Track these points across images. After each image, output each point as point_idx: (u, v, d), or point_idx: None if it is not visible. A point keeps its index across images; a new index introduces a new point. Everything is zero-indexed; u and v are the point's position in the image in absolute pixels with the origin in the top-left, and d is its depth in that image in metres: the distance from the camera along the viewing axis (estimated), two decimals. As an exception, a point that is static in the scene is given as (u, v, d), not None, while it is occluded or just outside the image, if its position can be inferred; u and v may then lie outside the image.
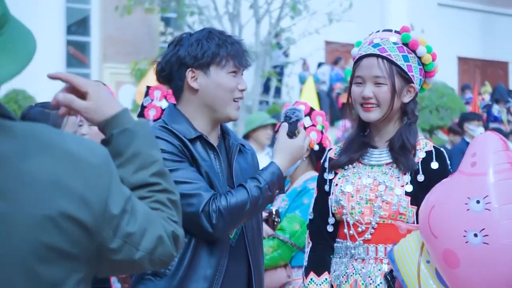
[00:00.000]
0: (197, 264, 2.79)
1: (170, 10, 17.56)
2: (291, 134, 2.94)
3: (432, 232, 2.64)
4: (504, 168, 2.58)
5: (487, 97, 18.79)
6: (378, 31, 3.10)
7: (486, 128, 15.03)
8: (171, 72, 2.92)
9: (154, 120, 4.25)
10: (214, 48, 2.87)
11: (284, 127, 2.96)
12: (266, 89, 19.43)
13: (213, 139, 2.96)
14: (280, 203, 4.16)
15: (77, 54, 19.44)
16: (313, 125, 4.15)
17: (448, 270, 2.63)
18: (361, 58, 3.03)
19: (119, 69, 18.46)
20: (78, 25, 19.61)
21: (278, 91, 20.07)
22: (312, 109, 4.23)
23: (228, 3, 16.72)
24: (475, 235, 2.52)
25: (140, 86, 13.79)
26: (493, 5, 27.06)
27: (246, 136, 7.27)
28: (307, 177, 4.17)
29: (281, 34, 17.92)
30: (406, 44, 3.01)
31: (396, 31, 3.07)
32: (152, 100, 4.28)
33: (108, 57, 19.05)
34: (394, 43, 3.00)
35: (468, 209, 2.55)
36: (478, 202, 2.54)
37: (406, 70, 2.99)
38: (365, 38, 3.12)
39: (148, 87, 4.38)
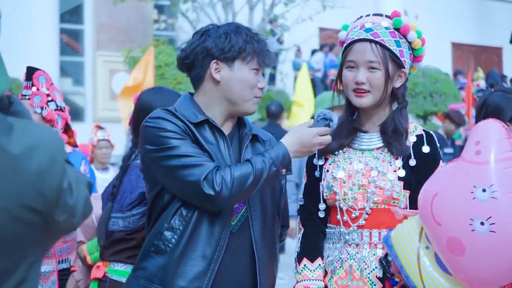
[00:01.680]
0: (196, 241, 2.81)
1: (163, -3, 17.53)
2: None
3: (436, 219, 2.64)
4: (508, 156, 2.58)
5: (482, 83, 18.82)
6: (368, 15, 3.08)
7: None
8: (195, 61, 2.94)
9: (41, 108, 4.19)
10: (242, 43, 2.90)
11: (310, 122, 2.93)
12: (260, 76, 19.42)
13: (226, 129, 2.98)
14: None
15: (71, 42, 19.38)
16: None
17: (452, 257, 2.63)
18: (353, 42, 3.02)
19: (112, 57, 18.41)
20: (71, 13, 19.54)
21: (272, 78, 20.07)
22: None
23: (221, -10, 16.70)
24: (482, 223, 2.52)
25: (132, 74, 13.76)
26: (486, -9, 27.04)
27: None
28: None
29: (276, 20, 17.91)
30: (397, 29, 3.00)
31: (386, 16, 3.06)
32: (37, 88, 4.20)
33: (101, 45, 18.99)
34: (386, 28, 2.99)
35: (474, 198, 2.55)
36: (484, 190, 2.54)
37: (399, 55, 2.98)
38: (354, 22, 3.10)
39: (32, 71, 4.25)
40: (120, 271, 3.51)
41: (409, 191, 2.95)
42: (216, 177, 2.74)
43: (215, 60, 2.90)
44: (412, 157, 2.98)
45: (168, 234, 2.83)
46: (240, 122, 3.05)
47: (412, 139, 3.02)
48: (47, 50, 16.05)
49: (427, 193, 2.72)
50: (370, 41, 2.97)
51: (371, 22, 3.02)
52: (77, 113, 18.76)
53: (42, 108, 4.21)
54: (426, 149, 2.99)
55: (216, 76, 2.91)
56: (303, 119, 13.73)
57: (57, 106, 4.31)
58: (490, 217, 2.52)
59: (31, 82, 4.25)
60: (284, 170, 2.87)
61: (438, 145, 3.05)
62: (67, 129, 4.48)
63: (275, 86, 19.78)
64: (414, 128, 3.06)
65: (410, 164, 2.97)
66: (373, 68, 2.96)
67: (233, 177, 2.75)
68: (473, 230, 2.54)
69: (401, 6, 19.16)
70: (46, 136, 1.72)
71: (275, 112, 9.46)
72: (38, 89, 4.20)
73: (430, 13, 24.75)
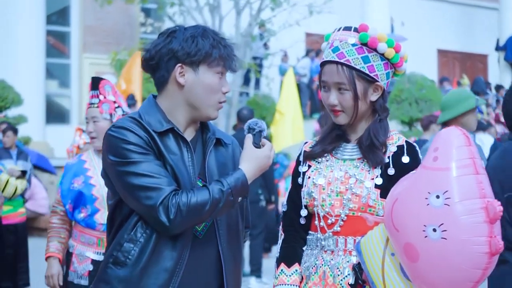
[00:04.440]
0: (159, 255, 2.79)
1: (150, 0, 17.52)
2: (257, 144, 2.92)
3: (394, 225, 2.65)
4: (465, 164, 2.58)
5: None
6: (339, 29, 3.06)
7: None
8: (160, 62, 2.89)
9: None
10: (208, 48, 2.86)
11: (249, 138, 2.93)
12: (246, 80, 19.44)
13: (189, 133, 2.95)
14: None
15: (57, 44, 19.33)
16: None
17: (409, 263, 2.65)
18: (324, 63, 3.04)
19: (99, 60, 18.37)
20: (58, 15, 19.49)
21: (257, 82, 20.08)
22: None
23: (208, -6, 16.69)
24: (434, 230, 2.53)
25: (121, 78, 13.76)
26: (472, -2, 27.18)
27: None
28: None
29: (263, 25, 17.93)
30: (365, 44, 2.98)
31: (355, 29, 3.03)
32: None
33: (88, 47, 18.95)
34: (353, 45, 2.98)
35: (428, 204, 2.56)
36: (437, 197, 2.54)
37: (368, 72, 2.97)
38: (333, 33, 3.09)
39: (98, 80, 4.62)
40: None
41: (385, 200, 2.96)
42: (171, 204, 2.72)
43: (180, 64, 2.86)
44: (391, 166, 2.99)
45: (128, 246, 2.80)
46: (203, 125, 3.02)
47: (392, 149, 3.03)
48: (33, 52, 15.99)
49: (389, 199, 2.74)
50: (336, 63, 2.98)
51: (339, 40, 3.00)
52: (62, 116, 18.72)
53: (111, 115, 4.61)
54: (405, 159, 3.00)
55: (180, 80, 2.87)
56: (284, 127, 13.77)
57: (123, 111, 4.67)
58: (442, 224, 2.52)
59: (97, 91, 4.67)
60: (240, 198, 2.88)
61: (420, 157, 3.04)
62: None
63: (261, 90, 19.80)
64: (397, 139, 3.07)
65: (389, 173, 2.98)
66: (342, 89, 2.98)
67: (189, 204, 2.73)
68: (426, 236, 2.55)
69: (387, 13, 19.25)
70: None
71: (246, 116, 9.52)
72: (105, 97, 4.62)
73: (416, 20, 24.86)
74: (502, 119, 14.16)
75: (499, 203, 2.55)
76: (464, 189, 2.55)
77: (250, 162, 2.89)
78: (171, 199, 2.72)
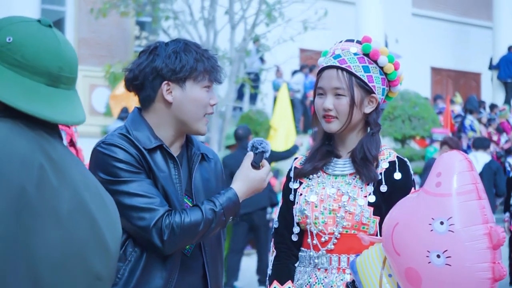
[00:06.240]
0: (149, 275, 2.76)
1: (145, 14, 17.53)
2: (256, 164, 2.90)
3: (395, 249, 2.63)
4: (468, 190, 2.56)
5: (456, 109, 18.94)
6: (341, 41, 3.10)
7: (459, 137, 15.17)
8: (144, 82, 2.85)
9: None
10: (192, 63, 2.83)
11: (250, 156, 2.91)
12: (240, 95, 19.45)
13: (176, 149, 2.93)
14: None
15: (51, 56, 19.30)
16: None
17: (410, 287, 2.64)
18: (323, 69, 3.05)
19: (92, 72, 18.36)
20: (52, 27, 19.48)
21: (252, 97, 20.10)
22: None
23: (203, 8, 16.72)
24: (438, 256, 2.51)
25: (115, 91, 13.73)
26: (466, 16, 27.28)
27: None
28: None
29: (258, 39, 17.96)
30: (367, 55, 3.01)
31: (358, 41, 3.06)
32: None
33: (82, 60, 18.91)
34: (355, 54, 3.00)
35: (431, 230, 2.53)
36: (442, 223, 2.52)
37: (366, 81, 2.99)
38: (331, 48, 3.12)
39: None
40: None
41: (379, 217, 2.95)
42: (165, 225, 2.69)
43: (166, 82, 2.83)
44: (383, 183, 2.99)
45: (117, 264, 2.70)
46: (187, 140, 3.00)
47: (384, 165, 3.02)
48: (27, 63, 15.94)
49: (389, 222, 2.72)
50: (337, 67, 2.98)
51: (341, 49, 3.04)
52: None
53: None
54: (397, 175, 3.00)
55: (168, 98, 2.84)
56: (276, 142, 13.81)
57: None
58: (446, 250, 2.50)
59: None
60: (231, 218, 2.87)
61: (411, 172, 3.04)
62: (72, 145, 4.55)
63: (255, 105, 19.81)
64: (388, 155, 3.06)
65: (381, 190, 2.98)
66: (339, 94, 2.98)
67: (182, 225, 2.71)
68: (429, 262, 2.53)
69: (381, 30, 19.30)
70: None
71: (242, 135, 9.69)
72: None
73: (410, 37, 24.95)
74: (495, 138, 14.18)
75: (502, 229, 2.55)
76: (467, 215, 2.53)
77: (244, 182, 2.88)
78: (164, 220, 2.70)
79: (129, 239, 2.76)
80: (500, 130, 17.77)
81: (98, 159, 2.79)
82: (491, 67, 22.94)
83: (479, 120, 17.87)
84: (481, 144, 11.38)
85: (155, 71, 2.83)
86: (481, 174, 10.81)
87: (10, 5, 15.64)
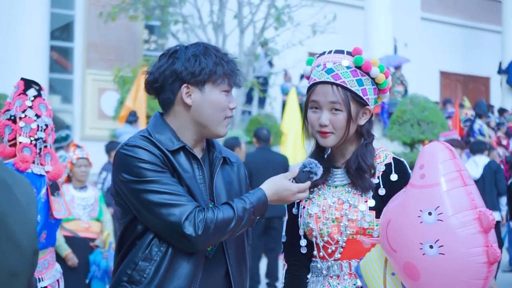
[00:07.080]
0: (173, 274, 2.77)
1: (154, 18, 17.58)
2: (299, 180, 2.91)
3: (391, 246, 2.65)
4: (453, 177, 2.58)
5: (469, 112, 18.91)
6: (330, 52, 3.05)
7: (468, 142, 15.14)
8: (164, 85, 2.87)
9: None
10: (212, 66, 2.85)
11: (294, 171, 2.93)
12: (249, 99, 19.47)
13: (197, 152, 2.94)
14: None
15: (60, 59, 19.38)
16: None
17: (410, 282, 2.64)
18: (316, 84, 3.01)
19: (101, 76, 18.42)
20: (61, 30, 19.54)
21: (261, 101, 20.11)
22: None
23: (212, 12, 16.76)
24: (431, 246, 2.53)
25: (128, 99, 13.73)
26: (475, 21, 27.25)
27: None
28: None
29: (266, 44, 17.97)
30: (359, 67, 2.99)
31: (348, 53, 3.03)
32: None
33: (91, 63, 19.00)
34: (347, 67, 2.97)
35: (421, 222, 2.56)
36: (430, 214, 2.55)
37: (361, 95, 2.98)
38: (317, 58, 3.08)
39: None
40: None
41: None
42: (198, 220, 2.71)
43: (185, 84, 2.85)
44: (382, 186, 2.99)
45: (143, 264, 2.77)
46: (209, 144, 3.02)
47: (381, 168, 3.02)
48: (36, 67, 16.01)
49: (383, 220, 2.74)
50: (332, 83, 2.96)
51: (332, 62, 2.99)
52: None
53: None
54: (394, 177, 3.00)
55: (187, 101, 2.86)
56: (285, 146, 13.80)
57: (10, 116, 4.56)
58: (438, 240, 2.52)
59: None
60: (258, 218, 2.88)
61: (409, 171, 3.03)
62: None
63: (264, 109, 19.82)
64: (385, 157, 3.06)
65: (380, 194, 2.98)
66: (336, 109, 2.97)
67: (216, 221, 2.73)
68: (424, 254, 2.55)
69: (390, 34, 19.28)
70: None
71: (267, 136, 9.71)
72: None
73: (419, 41, 24.92)
74: (504, 142, 14.15)
75: (491, 212, 2.55)
76: (455, 202, 2.55)
77: (274, 186, 2.89)
78: (197, 215, 2.71)
79: (155, 239, 2.78)
80: (509, 134, 17.75)
81: (122, 161, 2.80)
82: (500, 71, 22.89)
83: (488, 124, 17.83)
84: (478, 148, 11.45)
85: (174, 74, 2.85)
86: (482, 176, 10.83)
87: (21, 9, 15.71)
